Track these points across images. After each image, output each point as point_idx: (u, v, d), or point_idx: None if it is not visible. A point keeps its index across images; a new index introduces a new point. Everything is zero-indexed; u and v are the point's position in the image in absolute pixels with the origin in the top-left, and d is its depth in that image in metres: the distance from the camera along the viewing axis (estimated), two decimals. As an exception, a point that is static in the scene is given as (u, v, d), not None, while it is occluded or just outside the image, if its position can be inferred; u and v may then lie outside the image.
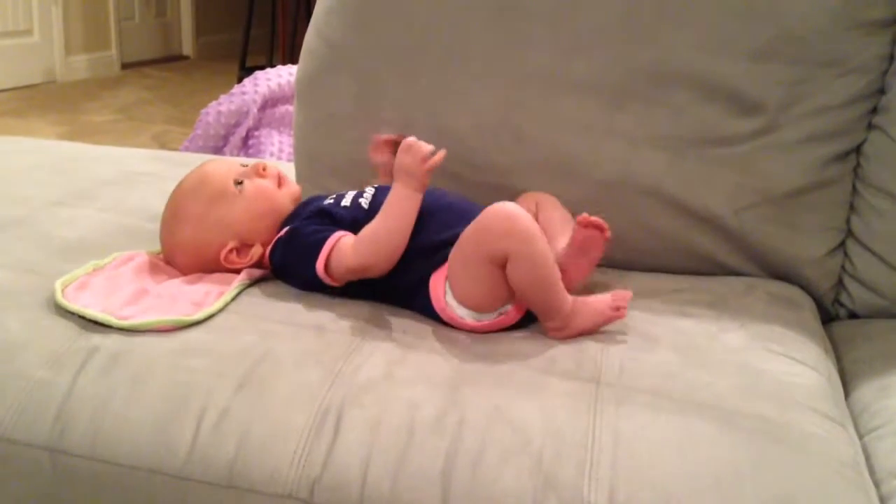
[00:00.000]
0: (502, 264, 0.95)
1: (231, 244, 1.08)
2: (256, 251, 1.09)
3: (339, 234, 1.03)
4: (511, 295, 0.97)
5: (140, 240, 1.18)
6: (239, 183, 1.10)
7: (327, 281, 1.02)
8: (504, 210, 0.95)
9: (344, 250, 1.01)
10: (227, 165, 1.13)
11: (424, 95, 1.26)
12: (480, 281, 0.96)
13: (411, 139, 1.03)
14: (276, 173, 1.13)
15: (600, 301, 0.99)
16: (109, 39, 5.38)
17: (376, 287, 1.03)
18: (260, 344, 0.91)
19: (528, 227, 0.94)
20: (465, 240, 0.97)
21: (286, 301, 1.03)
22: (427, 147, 1.02)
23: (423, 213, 1.03)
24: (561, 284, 0.97)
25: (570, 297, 0.97)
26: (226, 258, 1.08)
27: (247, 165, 1.12)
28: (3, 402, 0.86)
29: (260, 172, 1.11)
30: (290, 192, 1.13)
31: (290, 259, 1.06)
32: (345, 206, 1.08)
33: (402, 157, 1.02)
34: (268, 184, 1.11)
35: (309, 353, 0.91)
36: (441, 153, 1.02)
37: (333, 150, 1.33)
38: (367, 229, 1.01)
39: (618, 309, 0.98)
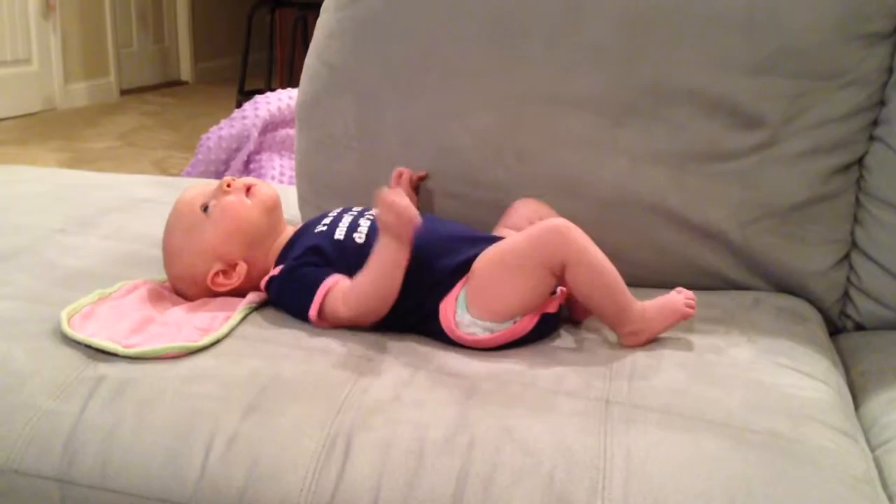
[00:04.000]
0: (557, 272, 0.96)
1: (215, 268, 1.07)
2: (241, 269, 1.08)
3: (331, 280, 1.01)
4: (530, 307, 0.98)
5: (143, 266, 1.18)
6: (205, 207, 1.08)
7: (322, 326, 1.01)
8: (558, 223, 0.98)
9: (336, 299, 1.00)
10: (196, 191, 1.11)
11: (425, 115, 1.27)
12: (515, 287, 0.97)
13: (388, 197, 0.96)
14: (242, 185, 1.10)
15: (672, 300, 1.01)
16: (108, 66, 5.40)
17: (383, 320, 1.01)
18: (267, 368, 0.91)
19: (582, 237, 0.97)
20: (513, 248, 0.99)
21: (292, 324, 1.02)
22: (408, 209, 0.96)
23: (423, 249, 1.01)
24: (626, 289, 0.98)
25: (638, 302, 0.99)
26: (213, 282, 1.08)
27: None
28: (10, 432, 0.85)
29: (225, 189, 1.09)
30: (260, 201, 1.09)
31: (284, 299, 1.05)
32: (338, 240, 1.06)
33: (384, 217, 0.97)
34: (233, 199, 1.08)
35: (316, 376, 0.90)
36: (418, 219, 0.97)
37: (335, 171, 1.33)
38: (356, 283, 1.00)
39: (691, 306, 1.01)
